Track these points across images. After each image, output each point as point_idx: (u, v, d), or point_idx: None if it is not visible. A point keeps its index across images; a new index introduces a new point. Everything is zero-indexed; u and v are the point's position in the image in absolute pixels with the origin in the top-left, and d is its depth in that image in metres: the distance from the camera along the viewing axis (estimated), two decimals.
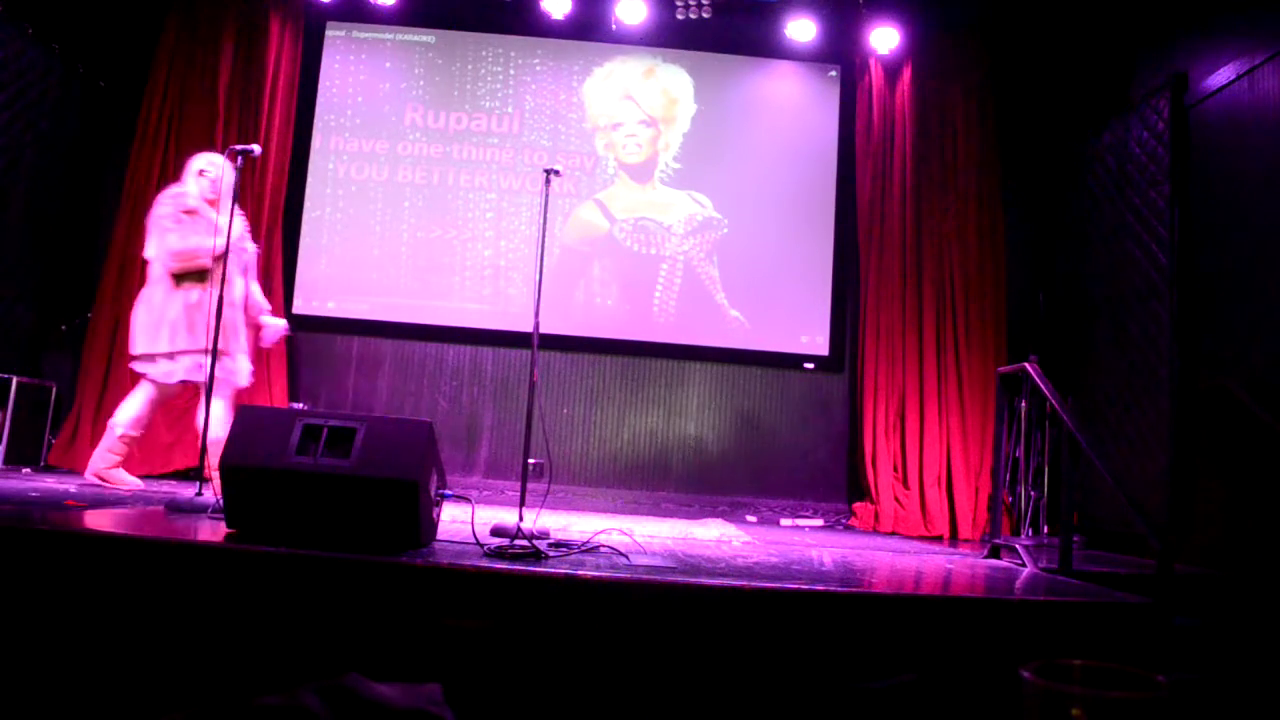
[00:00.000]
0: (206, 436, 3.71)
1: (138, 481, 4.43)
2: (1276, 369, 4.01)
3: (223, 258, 3.99)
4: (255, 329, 4.61)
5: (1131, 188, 5.12)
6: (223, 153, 4.07)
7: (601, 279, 6.16)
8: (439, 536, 2.98)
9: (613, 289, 6.15)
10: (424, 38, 6.30)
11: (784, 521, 5.71)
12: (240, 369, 4.40)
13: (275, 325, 4.63)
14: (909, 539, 5.19)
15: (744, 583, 2.46)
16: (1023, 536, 4.08)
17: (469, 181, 6.19)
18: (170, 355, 4.24)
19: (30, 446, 5.29)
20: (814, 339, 6.17)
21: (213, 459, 3.64)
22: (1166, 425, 4.63)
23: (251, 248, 4.58)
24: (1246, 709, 2.46)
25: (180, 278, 4.26)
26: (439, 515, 2.98)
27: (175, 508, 3.34)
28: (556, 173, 3.92)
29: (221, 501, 2.85)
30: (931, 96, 6.05)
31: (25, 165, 5.40)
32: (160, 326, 4.23)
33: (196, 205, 4.32)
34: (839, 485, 6.09)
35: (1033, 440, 4.14)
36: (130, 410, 4.33)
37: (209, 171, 4.38)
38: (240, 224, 4.39)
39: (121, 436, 4.32)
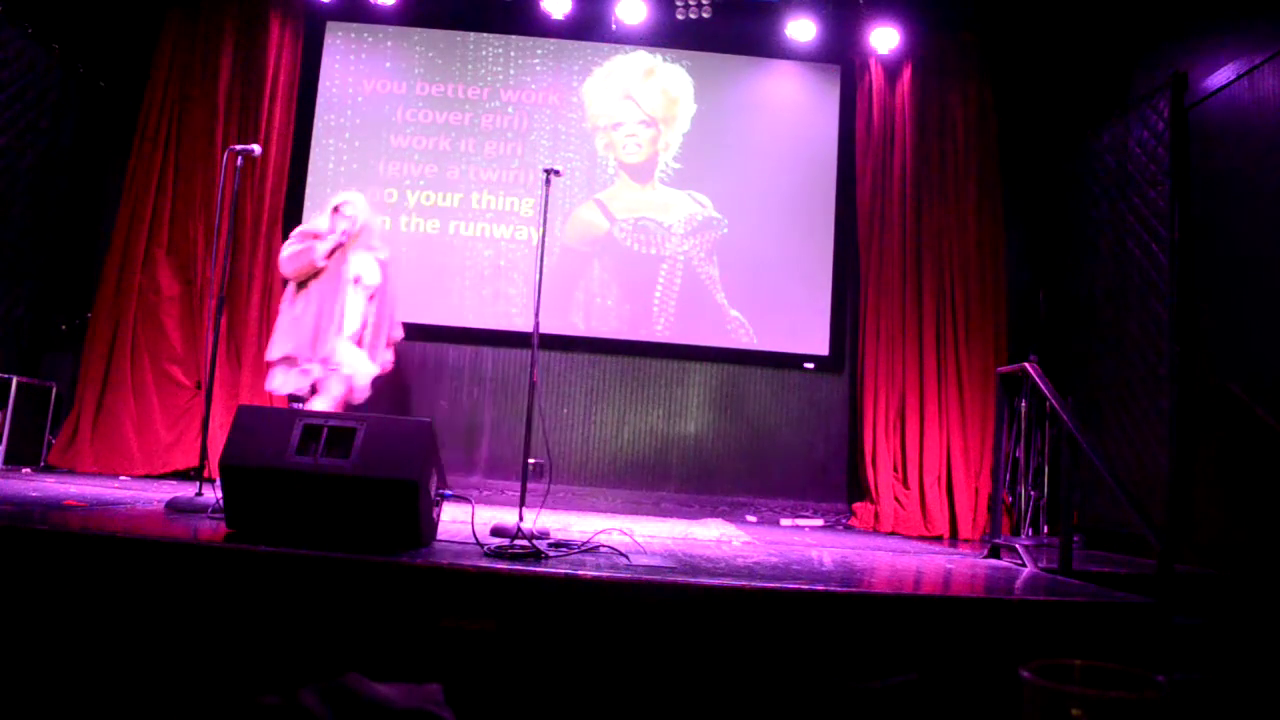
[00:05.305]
0: (206, 436, 3.70)
1: None
2: (1276, 369, 4.01)
3: (222, 264, 4.02)
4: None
5: (1131, 187, 5.12)
6: (223, 153, 4.10)
7: (601, 279, 6.16)
8: (439, 536, 2.98)
9: (613, 289, 6.15)
10: (424, 37, 6.30)
11: (784, 521, 5.71)
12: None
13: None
14: (909, 539, 5.19)
15: (744, 583, 2.46)
16: (1023, 536, 4.08)
17: (469, 181, 6.19)
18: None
19: (30, 446, 5.29)
20: (814, 339, 6.16)
21: None
22: (1166, 425, 4.62)
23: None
24: (1246, 709, 2.46)
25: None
26: (439, 515, 2.98)
27: (175, 508, 3.34)
28: (556, 173, 3.92)
29: (221, 501, 2.85)
30: (931, 96, 6.05)
31: (25, 165, 5.40)
32: None
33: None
34: (839, 485, 6.09)
35: (1033, 440, 4.15)
36: None
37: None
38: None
39: None
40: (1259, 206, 4.19)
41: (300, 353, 4.46)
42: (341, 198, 4.78)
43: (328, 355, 4.49)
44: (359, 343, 4.68)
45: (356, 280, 4.67)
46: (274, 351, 4.54)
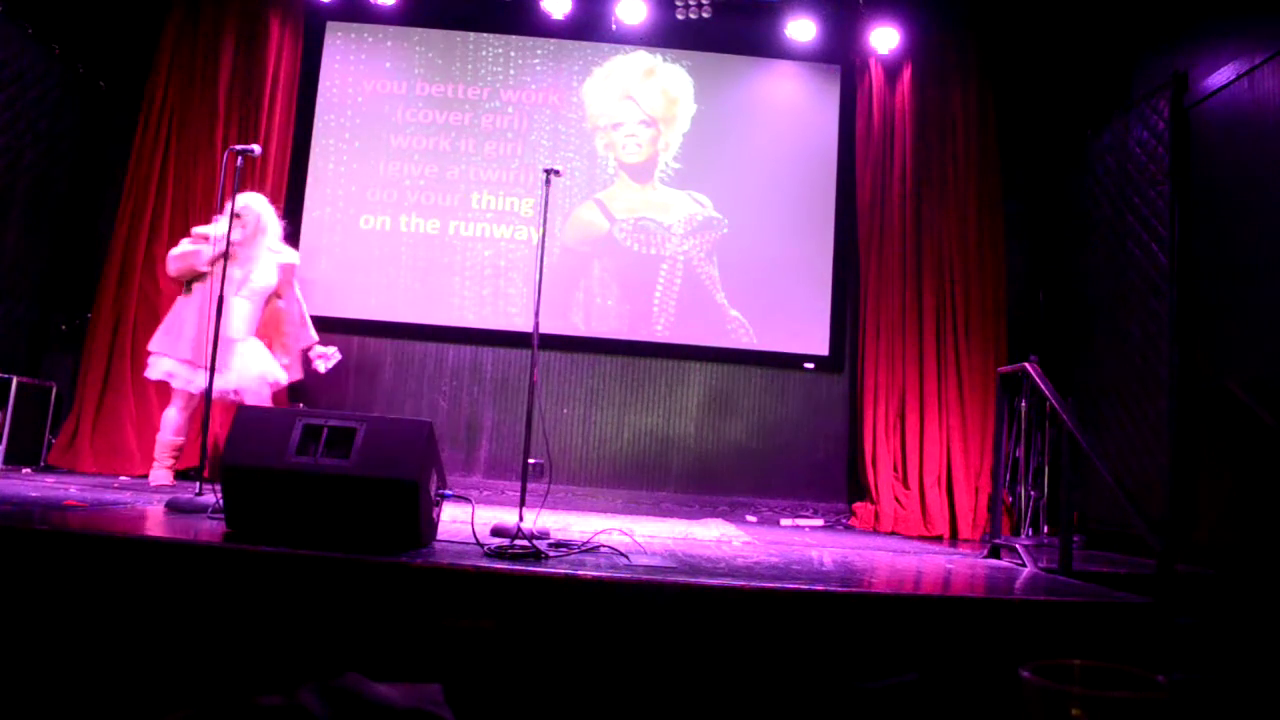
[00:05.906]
0: (207, 437, 3.71)
1: None
2: (1276, 369, 4.01)
3: (222, 264, 4.00)
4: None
5: (1131, 187, 5.12)
6: (223, 153, 4.11)
7: (601, 279, 6.16)
8: (439, 536, 2.98)
9: (613, 289, 6.15)
10: (424, 37, 6.30)
11: (784, 521, 5.71)
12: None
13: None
14: (909, 539, 5.19)
15: (744, 583, 2.46)
16: (1023, 536, 4.08)
17: (469, 181, 6.19)
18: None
19: (30, 446, 5.28)
20: (814, 339, 6.16)
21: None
22: (1166, 425, 4.62)
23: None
24: (1246, 709, 2.46)
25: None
26: (439, 515, 2.98)
27: (175, 508, 3.35)
28: (556, 173, 3.92)
29: (221, 501, 2.85)
30: (931, 96, 6.05)
31: (25, 165, 5.40)
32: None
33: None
34: (839, 485, 6.09)
35: (1033, 440, 4.14)
36: None
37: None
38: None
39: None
40: (1259, 206, 4.19)
41: (174, 351, 4.53)
42: (238, 203, 4.74)
43: (215, 364, 4.53)
44: (257, 338, 4.75)
45: (244, 284, 4.65)
46: (154, 344, 4.63)
